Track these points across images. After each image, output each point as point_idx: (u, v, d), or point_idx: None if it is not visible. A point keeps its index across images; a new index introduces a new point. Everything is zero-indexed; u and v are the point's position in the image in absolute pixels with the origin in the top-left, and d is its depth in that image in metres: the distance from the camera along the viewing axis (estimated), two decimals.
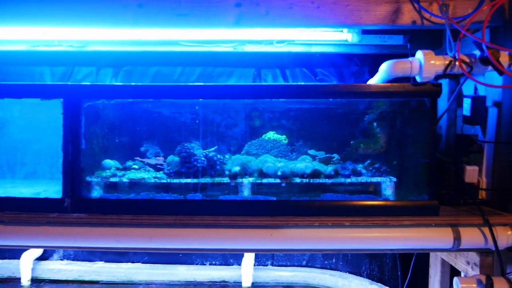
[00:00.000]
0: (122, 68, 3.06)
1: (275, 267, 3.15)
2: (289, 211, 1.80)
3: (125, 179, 1.95)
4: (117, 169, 2.09)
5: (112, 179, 1.95)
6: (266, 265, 3.20)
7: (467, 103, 1.98)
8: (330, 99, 2.09)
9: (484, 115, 1.94)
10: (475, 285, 1.73)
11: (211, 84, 1.90)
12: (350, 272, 3.13)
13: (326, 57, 3.01)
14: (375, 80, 2.03)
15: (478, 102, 1.93)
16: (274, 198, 1.83)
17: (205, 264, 3.20)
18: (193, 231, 1.81)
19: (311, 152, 2.31)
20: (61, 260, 3.16)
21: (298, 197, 1.85)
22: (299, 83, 2.83)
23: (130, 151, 2.36)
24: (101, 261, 3.16)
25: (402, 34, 2.70)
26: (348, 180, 1.91)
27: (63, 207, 1.86)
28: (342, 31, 2.44)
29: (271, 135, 2.44)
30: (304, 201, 1.82)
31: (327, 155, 2.17)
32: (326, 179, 1.90)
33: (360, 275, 3.12)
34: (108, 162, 2.08)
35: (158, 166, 2.16)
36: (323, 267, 3.18)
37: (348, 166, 2.02)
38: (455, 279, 1.77)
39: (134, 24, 1.89)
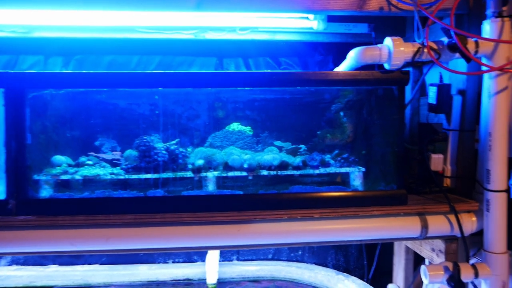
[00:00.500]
0: (73, 56, 2.85)
1: (241, 262, 3.08)
2: (257, 205, 1.73)
3: (78, 176, 1.79)
4: (69, 165, 1.93)
5: (64, 177, 1.79)
6: (232, 260, 3.12)
7: (432, 91, 1.97)
8: (296, 88, 2.03)
9: (449, 103, 1.94)
10: (442, 272, 1.73)
11: (171, 72, 1.77)
12: (316, 264, 3.11)
13: (290, 46, 2.94)
14: (342, 68, 1.97)
15: (444, 90, 1.93)
16: (241, 192, 1.75)
17: (167, 262, 3.08)
18: (155, 230, 1.71)
19: (277, 143, 2.24)
20: (9, 265, 2.93)
21: (265, 190, 1.78)
22: (264, 71, 2.73)
23: (83, 145, 2.20)
24: (55, 264, 2.95)
25: (367, 23, 2.67)
26: (317, 171, 1.86)
27: (7, 209, 1.69)
28: (308, 17, 2.38)
29: (235, 126, 2.36)
30: (272, 194, 1.75)
31: (294, 146, 2.11)
32: (294, 171, 1.83)
33: (326, 266, 3.11)
34: (58, 158, 1.91)
35: (114, 161, 2.01)
36: (289, 259, 3.14)
37: (316, 157, 1.97)
38: (423, 267, 1.77)
39: (84, 5, 1.73)
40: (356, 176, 1.85)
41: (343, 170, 1.87)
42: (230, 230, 1.70)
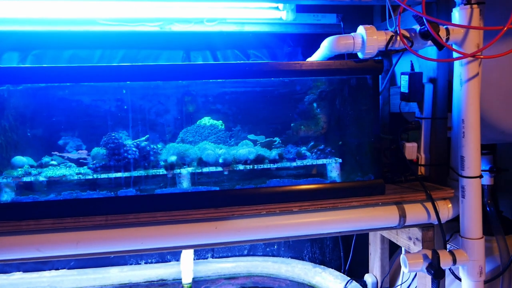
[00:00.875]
0: (31, 51, 2.69)
1: (216, 259, 3.03)
2: (234, 201, 1.69)
3: (42, 178, 1.69)
4: (31, 166, 1.81)
5: (26, 179, 1.68)
6: (207, 258, 3.07)
7: (404, 80, 1.98)
8: (268, 80, 2.02)
9: (421, 92, 1.96)
10: (421, 260, 1.75)
11: (139, 64, 1.69)
12: (292, 257, 3.11)
13: (259, 37, 2.90)
14: (314, 59, 1.95)
15: (415, 78, 1.95)
16: (217, 188, 1.70)
17: (140, 264, 2.99)
18: (128, 231, 1.63)
19: (251, 136, 2.20)
20: None
21: (242, 185, 1.74)
22: (237, 62, 2.68)
23: (46, 145, 2.09)
24: (19, 271, 2.80)
25: (335, 13, 2.67)
26: (294, 164, 1.84)
27: None
28: (277, 7, 2.34)
29: (206, 121, 2.30)
30: (250, 189, 1.71)
31: (269, 139, 2.08)
32: (271, 164, 1.80)
33: (303, 259, 3.12)
34: (19, 159, 1.79)
35: (81, 160, 1.91)
36: (265, 254, 3.13)
37: (291, 149, 1.94)
38: (402, 256, 1.78)
39: None
40: (333, 168, 1.84)
41: (320, 162, 1.85)
42: (207, 228, 1.65)
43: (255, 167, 1.79)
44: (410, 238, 2.02)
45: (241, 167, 1.78)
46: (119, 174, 1.72)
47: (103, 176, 1.72)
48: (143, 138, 2.00)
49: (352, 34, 1.72)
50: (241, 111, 2.38)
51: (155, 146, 1.83)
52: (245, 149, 1.77)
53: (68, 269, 2.89)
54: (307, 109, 2.18)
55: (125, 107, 2.00)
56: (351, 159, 1.91)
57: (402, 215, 1.79)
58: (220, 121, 2.32)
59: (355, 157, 1.89)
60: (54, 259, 2.46)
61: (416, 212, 1.81)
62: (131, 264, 2.98)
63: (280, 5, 2.33)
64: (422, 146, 2.02)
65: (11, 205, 1.62)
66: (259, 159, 1.78)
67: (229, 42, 2.90)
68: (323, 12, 2.66)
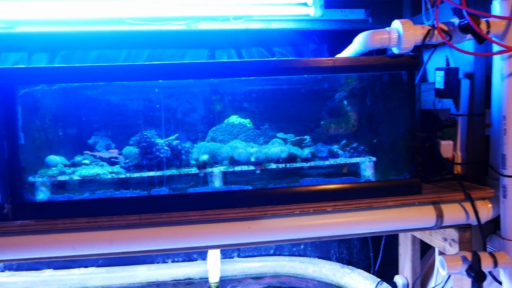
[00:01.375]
0: (59, 52, 2.74)
1: (242, 259, 3.03)
2: (267, 200, 1.67)
3: (76, 177, 1.71)
4: (65, 165, 1.83)
5: (61, 178, 1.70)
6: (232, 257, 3.06)
7: (439, 76, 1.93)
8: (295, 77, 1.98)
9: (457, 87, 1.91)
10: (460, 262, 1.70)
11: (169, 62, 1.70)
12: (319, 257, 3.08)
13: (284, 35, 2.88)
14: (346, 55, 1.92)
15: (451, 74, 1.90)
16: (250, 187, 1.69)
17: (167, 262, 3.01)
18: (161, 230, 1.63)
19: (280, 135, 2.19)
20: (2, 272, 2.81)
21: (275, 184, 1.72)
22: (266, 59, 2.66)
23: (77, 144, 2.12)
24: (50, 268, 2.85)
25: (363, 8, 2.63)
26: (326, 163, 1.81)
27: (3, 214, 1.60)
28: (306, 3, 2.32)
29: (234, 119, 2.29)
30: (283, 188, 1.70)
31: (299, 137, 2.06)
32: (304, 163, 1.78)
33: (330, 259, 3.08)
34: (53, 158, 1.82)
35: (112, 159, 1.93)
36: (291, 254, 3.10)
37: (322, 148, 1.92)
38: (440, 258, 1.74)
39: None
40: (367, 166, 1.81)
41: (353, 160, 1.82)
42: (240, 227, 1.64)
43: (287, 166, 1.77)
44: (445, 239, 1.97)
45: (273, 165, 1.77)
46: (151, 173, 1.72)
47: (136, 175, 1.73)
48: (173, 137, 2.00)
49: (387, 28, 1.69)
50: (268, 109, 2.35)
51: (186, 145, 1.83)
52: (277, 148, 1.75)
53: (97, 267, 2.92)
54: (337, 106, 2.15)
55: (158, 105, 2.01)
56: (384, 158, 1.87)
57: (440, 216, 1.74)
58: (248, 120, 2.31)
59: (389, 156, 1.86)
60: (89, 258, 2.49)
61: (454, 213, 1.76)
62: (158, 262, 3.00)
63: (309, 1, 2.30)
64: (459, 144, 1.97)
65: (47, 204, 1.64)
66: (291, 158, 1.77)
67: (254, 40, 2.89)
68: (351, 7, 2.62)
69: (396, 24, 1.66)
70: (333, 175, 1.82)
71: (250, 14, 2.51)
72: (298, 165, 1.78)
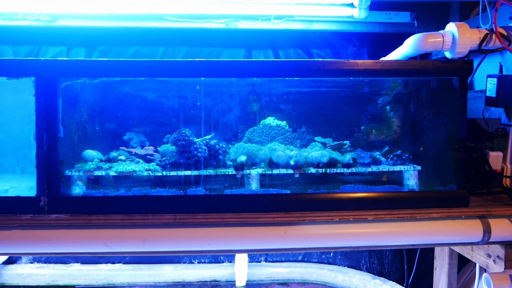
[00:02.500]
0: (97, 47, 2.76)
1: (270, 263, 2.97)
2: (305, 206, 1.61)
3: (112, 173, 1.69)
4: (101, 161, 1.83)
5: (97, 173, 1.69)
6: (260, 261, 3.01)
7: (491, 84, 1.83)
8: (335, 80, 1.95)
9: (511, 96, 1.80)
10: (508, 281, 1.60)
11: (209, 60, 1.66)
12: (349, 266, 2.99)
13: (323, 36, 2.82)
14: (393, 58, 1.85)
15: (506, 81, 1.79)
16: (288, 191, 1.63)
17: (193, 263, 2.98)
18: (196, 231, 1.60)
19: (318, 139, 2.13)
20: (31, 263, 2.85)
21: (314, 189, 1.66)
22: (309, 59, 2.61)
23: (113, 140, 2.11)
24: (77, 263, 2.87)
25: (409, 11, 2.54)
26: (368, 170, 1.74)
27: (39, 207, 1.59)
28: (352, 4, 2.25)
29: (271, 121, 2.24)
30: (322, 194, 1.64)
31: (338, 142, 1.99)
32: (345, 169, 1.71)
33: (360, 269, 2.99)
34: (90, 153, 1.81)
35: (148, 156, 1.91)
36: (320, 261, 3.03)
37: (362, 154, 1.84)
38: (486, 276, 1.64)
39: None
40: (411, 175, 1.73)
41: (397, 168, 1.74)
42: (276, 232, 1.59)
43: (327, 171, 1.71)
44: (489, 256, 1.86)
45: (312, 170, 1.71)
46: (188, 172, 1.69)
47: (172, 173, 1.70)
48: (208, 137, 1.97)
49: (441, 31, 1.60)
50: (305, 112, 2.29)
51: (224, 145, 1.79)
52: (318, 152, 1.69)
53: (124, 263, 2.93)
54: (379, 111, 2.08)
55: (198, 103, 1.98)
56: (429, 167, 1.78)
57: (487, 231, 1.64)
58: (284, 122, 2.26)
59: (435, 165, 1.77)
60: (118, 255, 2.49)
61: (503, 228, 1.66)
62: (184, 262, 2.98)
63: (355, 2, 2.23)
64: (509, 156, 1.86)
65: (82, 199, 1.63)
66: (332, 163, 1.70)
67: (292, 41, 2.84)
68: (396, 10, 2.53)
69: (451, 27, 1.58)
70: (375, 183, 1.74)
71: (292, 14, 2.46)
72: (338, 170, 1.71)
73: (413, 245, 1.70)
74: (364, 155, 1.85)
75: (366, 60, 1.62)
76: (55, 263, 2.87)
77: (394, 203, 1.63)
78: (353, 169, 1.71)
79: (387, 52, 2.08)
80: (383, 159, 1.79)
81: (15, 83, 1.60)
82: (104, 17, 2.48)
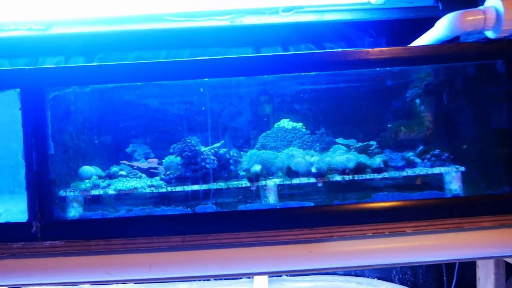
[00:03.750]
0: (96, 55, 2.62)
1: (292, 278, 2.76)
2: (332, 220, 1.43)
3: (111, 191, 1.52)
4: (99, 177, 1.66)
5: (94, 192, 1.52)
6: (281, 276, 2.80)
7: None
8: (355, 73, 1.81)
9: None
10: None
11: (216, 57, 1.48)
12: (379, 278, 2.77)
13: (337, 28, 2.62)
14: (424, 42, 1.64)
15: None
16: (311, 204, 1.44)
17: (209, 280, 2.79)
18: (207, 253, 1.43)
19: (340, 140, 1.93)
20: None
21: (341, 200, 1.46)
22: (325, 50, 2.43)
23: (113, 153, 1.96)
24: (87, 283, 2.71)
25: None
26: (403, 174, 1.53)
27: (31, 233, 1.44)
28: None
29: (286, 123, 2.06)
30: (351, 204, 1.44)
31: (363, 143, 1.79)
32: (375, 174, 1.51)
33: (391, 281, 2.76)
34: (86, 169, 1.65)
35: (151, 170, 1.75)
36: (346, 273, 2.81)
37: (393, 155, 1.64)
38: None
39: None
40: (453, 178, 1.52)
41: (436, 170, 1.53)
42: (300, 251, 1.43)
43: (355, 178, 1.51)
44: None
45: (338, 177, 1.51)
46: (196, 187, 1.51)
47: (178, 189, 1.52)
48: (218, 144, 1.79)
49: (481, 8, 1.39)
50: (323, 111, 2.13)
51: (235, 153, 1.60)
52: (343, 156, 1.49)
53: (135, 283, 2.76)
54: (408, 106, 1.88)
55: (203, 108, 1.80)
56: (475, 167, 1.56)
57: None
58: (300, 123, 2.08)
59: (481, 165, 1.55)
60: (123, 283, 2.32)
61: None
62: (199, 280, 2.79)
63: None
64: None
65: (79, 222, 1.48)
66: (360, 168, 1.50)
67: (303, 35, 2.64)
68: None
69: (494, 1, 1.36)
70: (410, 189, 1.53)
71: (301, 4, 2.27)
72: (368, 176, 1.51)
73: (461, 259, 1.49)
74: (395, 156, 1.65)
75: (392, 48, 1.42)
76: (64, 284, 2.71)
77: (436, 211, 1.43)
78: (385, 174, 1.50)
79: (408, 41, 1.89)
80: (418, 160, 1.58)
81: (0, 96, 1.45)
82: (101, 21, 2.33)
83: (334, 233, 1.41)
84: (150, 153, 2.05)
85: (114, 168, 1.77)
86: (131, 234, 1.42)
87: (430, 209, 1.43)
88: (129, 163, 1.79)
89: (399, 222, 1.42)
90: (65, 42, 2.53)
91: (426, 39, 1.60)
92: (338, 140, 1.93)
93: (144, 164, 1.77)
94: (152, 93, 2.03)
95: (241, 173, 1.61)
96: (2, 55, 2.59)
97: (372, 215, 1.43)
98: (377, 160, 1.51)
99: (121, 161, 1.81)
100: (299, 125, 2.06)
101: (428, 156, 1.59)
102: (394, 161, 1.57)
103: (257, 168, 1.51)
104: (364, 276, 2.79)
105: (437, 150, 1.60)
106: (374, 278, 2.77)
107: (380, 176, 1.51)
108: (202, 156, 1.52)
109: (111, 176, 1.73)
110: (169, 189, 1.51)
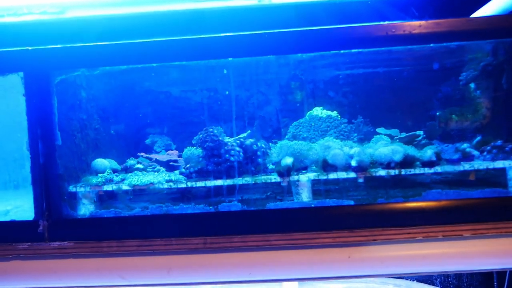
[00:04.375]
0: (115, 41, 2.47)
1: (324, 280, 2.58)
2: (376, 221, 1.27)
3: (125, 186, 1.38)
4: (114, 171, 1.53)
5: (106, 187, 1.38)
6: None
7: None
8: (396, 55, 1.71)
9: None
10: None
11: (243, 33, 1.31)
12: (418, 281, 2.57)
13: (373, 8, 2.37)
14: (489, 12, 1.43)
15: None
16: (351, 202, 1.26)
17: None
18: (232, 257, 1.29)
19: (381, 130, 1.75)
20: None
21: (386, 198, 1.28)
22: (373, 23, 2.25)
23: (132, 144, 1.84)
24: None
25: None
26: (459, 168, 1.33)
27: (38, 233, 1.33)
28: None
29: (319, 111, 1.89)
30: (398, 203, 1.26)
31: (409, 133, 1.59)
32: (426, 168, 1.31)
33: (433, 284, 2.56)
34: (100, 162, 1.52)
35: (171, 163, 1.61)
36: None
37: (445, 147, 1.44)
38: None
39: None
40: None
41: (499, 164, 1.32)
42: (337, 256, 1.28)
43: (402, 173, 1.32)
44: None
45: (382, 172, 1.32)
46: (219, 182, 1.35)
47: (199, 184, 1.36)
48: (244, 134, 1.63)
49: None
50: (360, 98, 1.97)
51: (263, 144, 1.44)
52: (387, 148, 1.31)
53: None
54: (460, 91, 1.67)
55: (227, 92, 1.66)
56: None
57: None
58: (335, 112, 1.90)
59: None
60: None
61: None
62: (223, 282, 2.66)
63: None
64: None
65: (90, 221, 1.35)
66: (408, 161, 1.31)
67: (334, 15, 2.41)
68: None
69: None
70: (464, 185, 1.33)
71: None
72: (417, 171, 1.31)
73: None
74: (446, 148, 1.44)
75: (451, 19, 1.22)
76: None
77: (499, 213, 1.22)
78: (438, 168, 1.31)
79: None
80: (475, 152, 1.37)
81: (2, 81, 1.32)
82: (122, 3, 2.19)
83: (377, 236, 1.26)
84: (171, 145, 1.93)
85: (131, 161, 1.64)
86: (146, 234, 1.30)
87: (491, 210, 1.23)
88: (147, 155, 1.65)
89: (455, 225, 1.24)
90: (80, 26, 2.41)
91: (489, 10, 1.38)
92: (379, 129, 1.75)
93: (163, 157, 1.63)
94: (173, 79, 1.90)
95: (270, 166, 1.45)
96: (16, 42, 2.49)
97: (423, 216, 1.25)
98: (428, 152, 1.31)
99: (138, 154, 1.68)
100: (333, 113, 1.89)
101: (489, 147, 1.38)
102: (447, 153, 1.37)
103: (288, 161, 1.34)
104: (403, 278, 2.60)
105: (498, 141, 1.38)
106: (413, 281, 2.57)
107: (432, 170, 1.31)
108: (226, 148, 1.36)
109: (127, 170, 1.59)
110: (189, 184, 1.36)
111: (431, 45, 1.25)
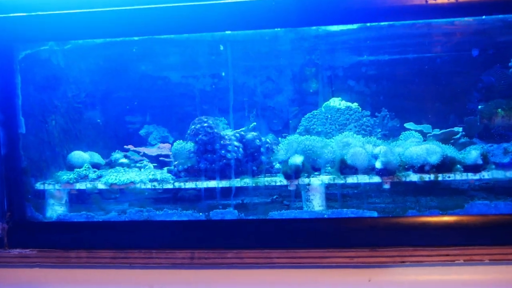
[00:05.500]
0: None
1: None
2: (403, 238, 1.10)
3: (101, 185, 1.20)
4: (95, 166, 1.35)
5: (79, 186, 1.20)
6: None
7: None
8: (430, 41, 1.58)
9: None
10: None
11: None
12: None
13: None
14: None
15: None
16: (374, 214, 1.06)
17: None
18: (225, 275, 1.14)
19: (410, 125, 1.57)
20: None
21: (418, 210, 1.08)
22: None
23: (122, 136, 1.69)
24: None
25: None
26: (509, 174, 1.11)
27: None
28: None
29: (336, 102, 1.74)
30: (433, 216, 1.11)
31: (447, 129, 1.39)
32: (469, 173, 1.09)
33: None
34: (77, 155, 1.36)
35: (161, 158, 1.44)
36: None
37: (491, 147, 1.22)
38: None
39: None
40: None
41: None
42: (355, 279, 1.11)
43: (439, 178, 1.10)
44: None
45: (413, 177, 1.11)
46: (212, 184, 1.16)
47: (189, 185, 1.17)
48: (250, 127, 1.44)
49: None
50: (384, 88, 1.84)
51: (269, 140, 1.23)
52: (421, 147, 1.10)
53: None
54: (508, 80, 1.46)
55: (223, 73, 1.46)
56: None
57: None
58: (356, 103, 1.73)
59: None
60: None
61: None
62: None
63: None
64: None
65: (57, 225, 1.22)
66: (447, 164, 1.09)
67: None
68: None
69: None
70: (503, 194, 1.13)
71: None
72: (459, 176, 1.09)
73: None
74: (491, 148, 1.22)
75: None
76: None
77: None
78: (484, 174, 1.09)
79: None
80: None
81: None
82: None
83: (406, 257, 1.10)
84: (169, 137, 1.77)
85: (116, 155, 1.48)
86: (123, 244, 1.16)
87: None
88: (135, 148, 1.47)
89: (505, 246, 1.07)
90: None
91: None
92: (408, 125, 1.57)
93: (152, 151, 1.45)
94: (170, 63, 1.77)
95: (276, 165, 1.26)
96: None
97: (466, 234, 1.08)
98: (473, 154, 1.09)
99: (125, 146, 1.50)
100: (354, 104, 1.73)
101: None
102: (495, 155, 1.15)
103: (297, 159, 1.14)
104: None
105: None
106: None
107: (477, 176, 1.09)
108: (222, 142, 1.15)
109: (112, 165, 1.42)
110: (176, 185, 1.17)
111: (483, 17, 1.02)
